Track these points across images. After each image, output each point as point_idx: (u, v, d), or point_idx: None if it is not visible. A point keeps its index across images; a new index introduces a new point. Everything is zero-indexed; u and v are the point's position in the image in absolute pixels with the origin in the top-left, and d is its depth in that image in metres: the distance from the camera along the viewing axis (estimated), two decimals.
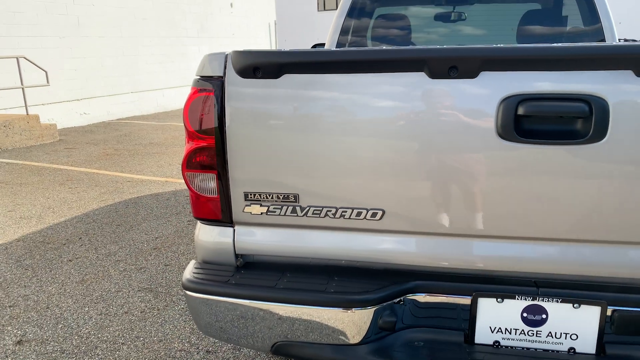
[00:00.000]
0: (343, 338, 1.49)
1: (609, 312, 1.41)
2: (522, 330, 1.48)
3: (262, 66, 1.45)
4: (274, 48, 17.54)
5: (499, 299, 1.47)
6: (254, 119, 1.51)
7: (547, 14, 3.57)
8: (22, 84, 8.64)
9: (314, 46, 4.11)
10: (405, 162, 1.44)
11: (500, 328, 1.49)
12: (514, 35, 3.47)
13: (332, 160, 1.48)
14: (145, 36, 12.63)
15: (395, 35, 3.73)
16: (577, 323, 1.44)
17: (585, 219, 1.41)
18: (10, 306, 3.11)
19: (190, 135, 1.57)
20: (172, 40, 13.55)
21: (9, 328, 2.86)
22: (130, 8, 12.12)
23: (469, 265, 1.52)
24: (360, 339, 1.49)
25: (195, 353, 2.58)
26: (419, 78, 1.39)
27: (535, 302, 1.45)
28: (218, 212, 1.61)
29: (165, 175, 6.34)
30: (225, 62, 1.50)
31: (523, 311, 1.46)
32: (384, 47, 1.45)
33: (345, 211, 1.53)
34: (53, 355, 2.59)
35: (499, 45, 1.36)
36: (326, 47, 3.51)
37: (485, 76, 1.37)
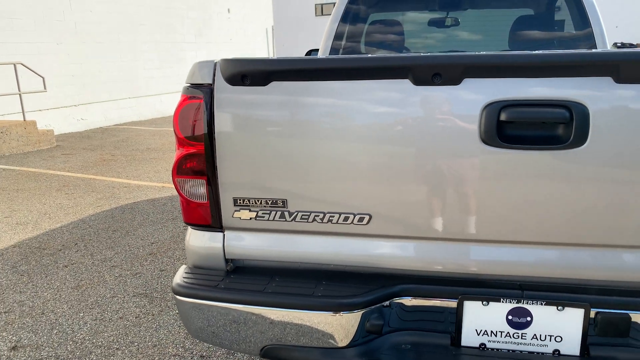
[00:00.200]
0: (331, 341, 1.51)
1: (592, 314, 1.43)
2: (508, 332, 1.49)
3: (250, 74, 1.48)
4: (271, 53, 17.60)
5: (484, 302, 1.49)
6: (242, 126, 1.53)
7: (539, 19, 3.60)
8: (19, 90, 8.67)
9: (309, 52, 4.13)
10: (391, 168, 1.47)
11: (486, 331, 1.51)
12: (507, 40, 3.50)
13: (320, 166, 1.51)
14: (143, 42, 12.68)
15: (389, 40, 3.76)
16: (562, 325, 1.46)
17: (568, 223, 1.43)
18: (5, 312, 3.12)
19: (180, 142, 1.59)
20: (170, 46, 13.60)
21: (4, 334, 2.87)
22: (128, 14, 12.17)
23: (455, 269, 1.54)
24: (348, 342, 1.51)
25: (190, 358, 2.59)
26: (404, 85, 1.42)
27: (520, 304, 1.47)
28: (208, 217, 1.63)
29: (162, 181, 6.36)
30: (214, 69, 1.52)
31: (508, 314, 1.48)
32: (370, 55, 1.47)
33: (333, 216, 1.55)
34: None
35: (481, 52, 1.39)
36: (320, 52, 3.54)
37: (469, 83, 1.39)
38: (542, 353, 1.48)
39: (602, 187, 1.38)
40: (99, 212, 5.12)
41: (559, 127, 1.38)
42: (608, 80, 1.33)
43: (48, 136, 8.98)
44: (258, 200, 1.57)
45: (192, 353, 2.63)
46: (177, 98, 13.57)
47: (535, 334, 1.48)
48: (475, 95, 1.39)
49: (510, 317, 1.48)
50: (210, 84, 1.53)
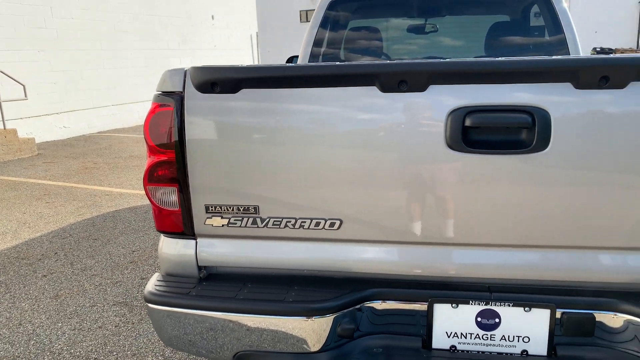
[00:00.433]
0: (303, 346, 1.51)
1: (558, 315, 1.46)
2: (477, 334, 1.52)
3: (219, 81, 1.49)
4: (256, 59, 17.60)
5: (454, 305, 1.51)
6: (213, 133, 1.54)
7: (514, 25, 3.67)
8: None
9: (289, 59, 4.15)
10: (359, 173, 1.49)
11: (456, 333, 1.53)
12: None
13: (290, 172, 1.52)
14: (126, 49, 12.60)
15: (368, 46, 3.80)
16: (529, 326, 1.48)
17: (533, 225, 1.46)
18: None
19: (151, 150, 1.59)
20: (153, 53, 13.53)
21: None
22: (111, 21, 12.10)
23: (425, 272, 1.56)
24: (320, 347, 1.52)
25: None
26: (371, 92, 1.44)
27: (488, 306, 1.49)
28: (180, 224, 1.63)
29: None
30: (185, 77, 1.53)
31: (477, 316, 1.50)
32: (337, 63, 1.50)
33: (305, 222, 1.56)
34: None
35: (446, 59, 1.42)
36: (299, 59, 3.56)
37: (434, 89, 1.42)
38: (511, 354, 1.51)
39: (566, 190, 1.41)
40: (80, 220, 5.07)
41: (523, 132, 1.41)
42: (568, 86, 1.36)
43: (29, 144, 8.87)
44: (230, 207, 1.58)
45: None
46: None
47: (503, 335, 1.50)
48: (441, 101, 1.42)
49: (479, 319, 1.51)
50: (181, 92, 1.53)
